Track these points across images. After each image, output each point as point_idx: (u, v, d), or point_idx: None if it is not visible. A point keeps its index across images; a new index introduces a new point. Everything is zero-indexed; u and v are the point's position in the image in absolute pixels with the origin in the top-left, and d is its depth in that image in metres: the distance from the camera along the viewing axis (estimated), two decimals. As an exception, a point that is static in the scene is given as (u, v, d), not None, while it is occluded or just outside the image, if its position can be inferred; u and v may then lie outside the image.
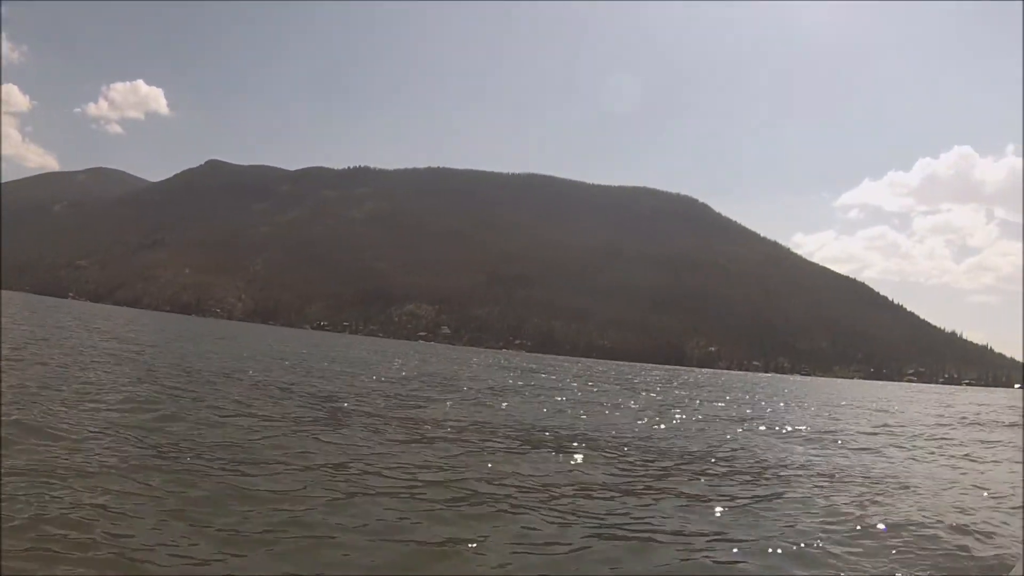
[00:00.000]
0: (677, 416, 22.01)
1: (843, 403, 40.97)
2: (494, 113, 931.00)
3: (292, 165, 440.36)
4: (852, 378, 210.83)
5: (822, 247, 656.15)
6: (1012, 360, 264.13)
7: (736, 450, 14.51)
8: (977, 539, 8.03)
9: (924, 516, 9.03)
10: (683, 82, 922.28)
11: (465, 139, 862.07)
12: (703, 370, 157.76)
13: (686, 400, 31.32)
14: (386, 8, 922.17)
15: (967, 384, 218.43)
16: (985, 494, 10.97)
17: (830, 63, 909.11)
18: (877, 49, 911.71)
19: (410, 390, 22.75)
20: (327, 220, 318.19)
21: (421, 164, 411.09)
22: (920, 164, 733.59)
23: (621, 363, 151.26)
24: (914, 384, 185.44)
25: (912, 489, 10.97)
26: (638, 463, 11.88)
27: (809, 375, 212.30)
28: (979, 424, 26.95)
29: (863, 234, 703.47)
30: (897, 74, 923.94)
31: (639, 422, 18.87)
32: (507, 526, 7.54)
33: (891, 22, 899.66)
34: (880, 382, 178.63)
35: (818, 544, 7.54)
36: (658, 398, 31.09)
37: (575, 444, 13.31)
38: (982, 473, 13.52)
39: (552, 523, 7.78)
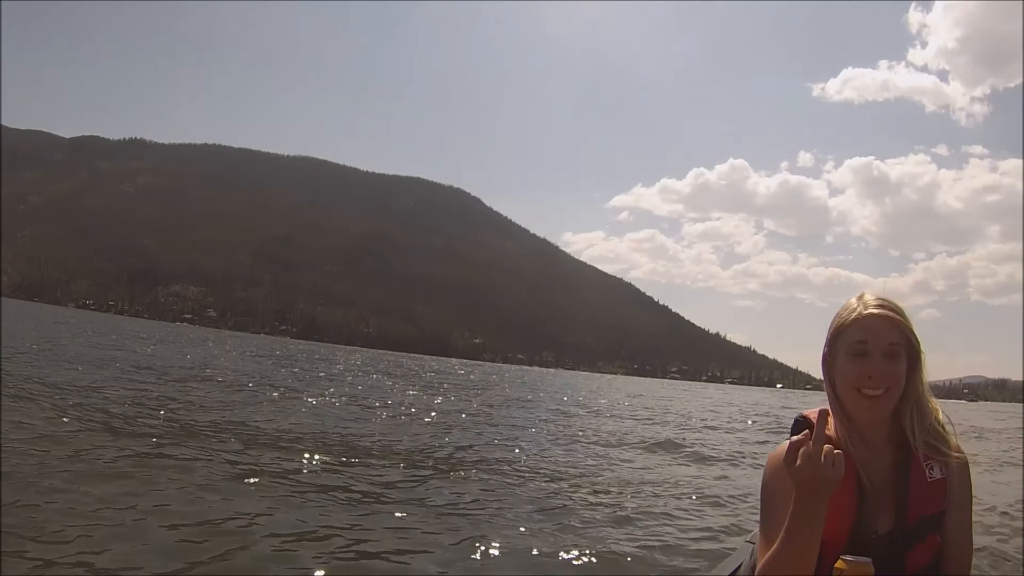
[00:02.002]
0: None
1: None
2: (275, 91, 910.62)
3: (67, 132, 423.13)
4: (616, 374, 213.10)
5: (591, 246, 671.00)
6: (774, 361, 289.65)
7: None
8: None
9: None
10: (465, 76, 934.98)
11: (244, 116, 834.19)
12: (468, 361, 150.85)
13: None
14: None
15: (730, 382, 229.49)
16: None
17: (616, 70, 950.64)
18: (662, 62, 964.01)
19: None
20: (99, 193, 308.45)
21: (198, 140, 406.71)
22: (693, 173, 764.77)
23: (383, 352, 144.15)
24: (676, 380, 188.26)
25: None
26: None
27: (573, 369, 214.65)
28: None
29: (632, 236, 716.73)
30: (679, 86, 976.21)
31: None
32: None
33: (681, 37, 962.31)
34: (643, 378, 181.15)
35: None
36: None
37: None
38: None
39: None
